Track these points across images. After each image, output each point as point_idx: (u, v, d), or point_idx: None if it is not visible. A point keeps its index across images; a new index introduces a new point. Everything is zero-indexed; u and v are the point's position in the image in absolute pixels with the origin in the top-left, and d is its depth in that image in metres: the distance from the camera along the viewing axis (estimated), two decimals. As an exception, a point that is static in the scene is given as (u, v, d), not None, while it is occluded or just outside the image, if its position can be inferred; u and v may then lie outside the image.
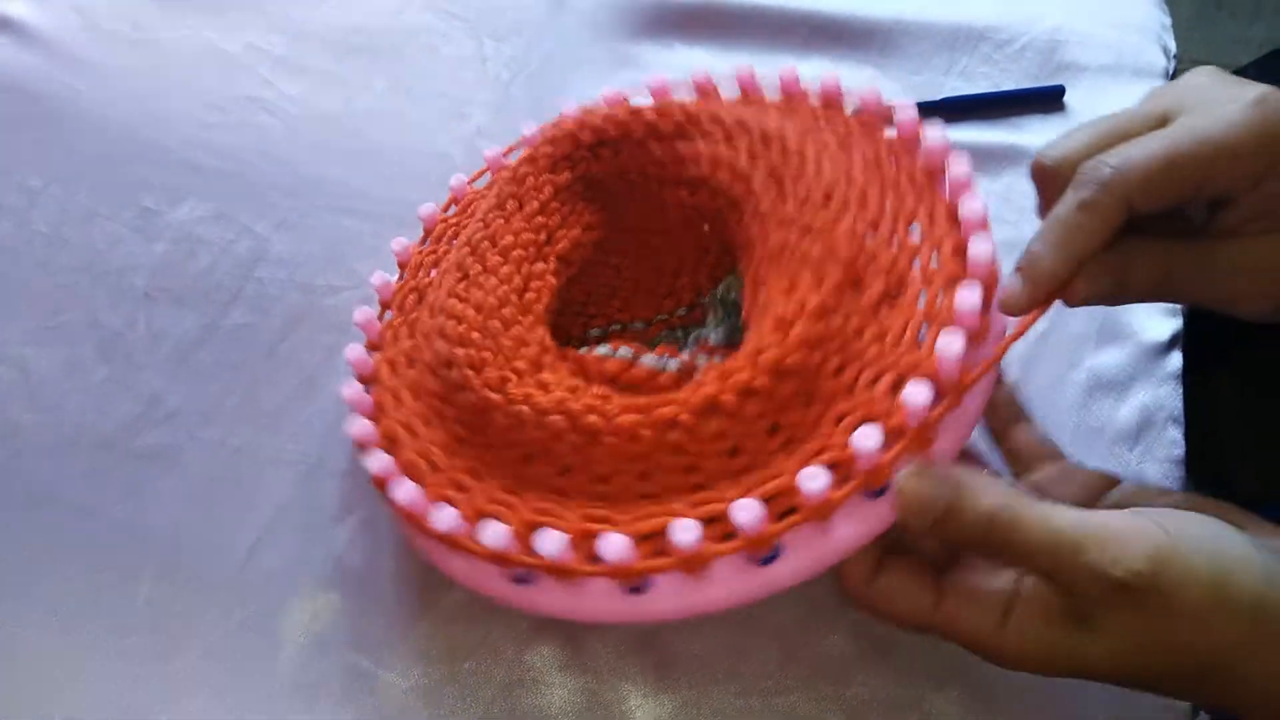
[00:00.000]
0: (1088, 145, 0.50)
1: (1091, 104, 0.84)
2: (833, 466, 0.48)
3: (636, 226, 0.68)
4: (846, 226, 0.54)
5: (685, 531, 0.47)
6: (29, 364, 0.74)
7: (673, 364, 0.63)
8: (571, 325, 0.71)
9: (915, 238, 0.55)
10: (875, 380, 0.50)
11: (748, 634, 0.62)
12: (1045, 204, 0.53)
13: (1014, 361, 0.70)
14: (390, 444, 0.61)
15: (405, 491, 0.56)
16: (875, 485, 0.48)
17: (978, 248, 0.50)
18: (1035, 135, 0.81)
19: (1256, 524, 0.50)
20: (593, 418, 0.53)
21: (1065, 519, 0.45)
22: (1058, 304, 0.50)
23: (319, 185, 0.81)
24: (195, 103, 0.85)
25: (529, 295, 0.64)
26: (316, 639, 0.64)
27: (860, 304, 0.52)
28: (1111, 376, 0.70)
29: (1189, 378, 0.70)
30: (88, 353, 0.74)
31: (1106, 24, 0.86)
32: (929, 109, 0.80)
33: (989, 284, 0.50)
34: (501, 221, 0.65)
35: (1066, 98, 0.84)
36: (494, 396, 0.56)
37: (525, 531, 0.51)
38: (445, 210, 0.73)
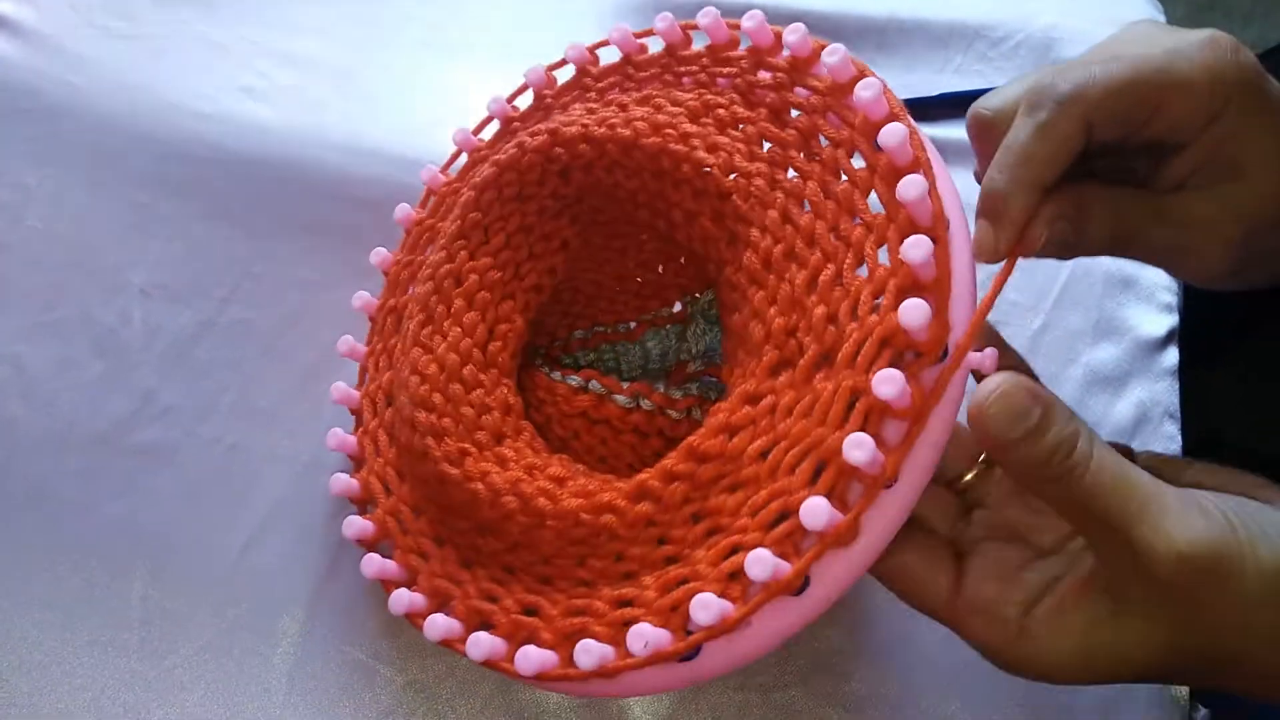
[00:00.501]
0: (1041, 78, 0.47)
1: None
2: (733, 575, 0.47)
3: (614, 232, 0.67)
4: (784, 294, 0.52)
5: (586, 655, 0.47)
6: (23, 360, 0.74)
7: (645, 404, 0.62)
8: (556, 326, 0.70)
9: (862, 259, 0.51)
10: (796, 465, 0.47)
11: None
12: (984, 160, 0.50)
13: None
14: (368, 498, 0.63)
15: (373, 566, 0.58)
16: (790, 591, 0.45)
17: (909, 314, 0.45)
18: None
19: None
20: (542, 501, 0.53)
21: (1141, 477, 0.42)
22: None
23: (315, 177, 0.81)
24: (189, 96, 0.85)
25: (494, 345, 0.63)
26: (312, 634, 0.64)
27: (794, 376, 0.50)
28: (1108, 372, 0.70)
29: (1185, 373, 0.70)
30: (82, 349, 0.74)
31: (1100, 22, 0.86)
32: (922, 105, 0.81)
33: (925, 347, 0.46)
34: (465, 255, 0.64)
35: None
36: (452, 471, 0.56)
37: (514, 644, 0.52)
38: (424, 204, 0.73)
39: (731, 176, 0.57)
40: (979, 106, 0.50)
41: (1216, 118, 0.46)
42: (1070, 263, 0.73)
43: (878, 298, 0.48)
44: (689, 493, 0.50)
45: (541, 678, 0.50)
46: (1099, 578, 0.45)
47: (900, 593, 0.50)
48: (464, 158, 0.72)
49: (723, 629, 0.45)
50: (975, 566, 0.49)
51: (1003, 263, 0.47)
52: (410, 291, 0.67)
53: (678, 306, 0.69)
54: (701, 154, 0.57)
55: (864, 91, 0.51)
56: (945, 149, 0.73)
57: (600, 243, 0.67)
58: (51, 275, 0.77)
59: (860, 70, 0.54)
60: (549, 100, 0.68)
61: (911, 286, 0.46)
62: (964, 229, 0.49)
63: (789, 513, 0.46)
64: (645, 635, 0.46)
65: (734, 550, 0.47)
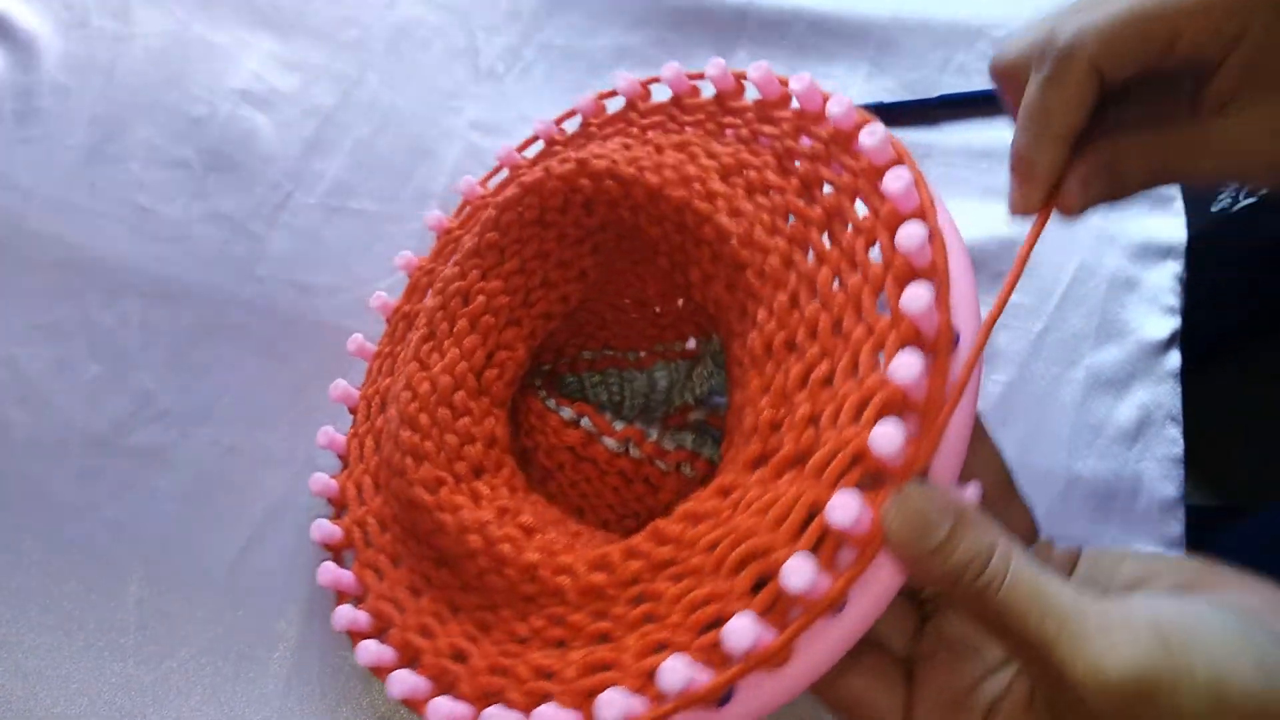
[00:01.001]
0: (1045, 29, 0.46)
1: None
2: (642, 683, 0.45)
3: (637, 258, 0.65)
4: (778, 385, 0.49)
5: None
6: (19, 362, 0.73)
7: (634, 451, 0.62)
8: (566, 343, 0.69)
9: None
10: (739, 568, 0.45)
11: None
12: (1012, 106, 0.48)
13: (1012, 360, 0.69)
14: (343, 503, 0.63)
15: (346, 617, 0.57)
16: (709, 702, 0.43)
17: (879, 439, 0.41)
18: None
19: (1265, 593, 0.43)
20: (505, 547, 0.53)
21: (1061, 594, 0.39)
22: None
23: (313, 182, 0.81)
24: (187, 98, 0.85)
25: (490, 373, 0.62)
26: (310, 637, 0.64)
27: (764, 473, 0.47)
28: (1110, 375, 0.70)
29: (1188, 376, 0.70)
30: (79, 351, 0.74)
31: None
32: (923, 108, 0.80)
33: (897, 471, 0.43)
34: (477, 274, 0.63)
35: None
36: (425, 497, 0.56)
37: (435, 687, 0.52)
38: (459, 213, 0.72)
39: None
40: (995, 59, 0.48)
41: (1243, 33, 0.43)
42: (1073, 265, 0.73)
43: (862, 408, 0.45)
44: (639, 573, 0.49)
45: None
46: (1037, 697, 0.42)
47: (850, 717, 0.47)
48: (504, 172, 0.72)
49: None
50: (926, 686, 0.46)
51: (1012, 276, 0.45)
52: (426, 299, 0.66)
53: (692, 343, 0.67)
54: (723, 219, 0.55)
55: (893, 182, 0.48)
56: (948, 152, 0.73)
57: (622, 268, 0.66)
58: (49, 277, 0.77)
59: (898, 155, 0.51)
60: (593, 129, 0.67)
61: (898, 404, 0.43)
62: (977, 342, 0.45)
63: (722, 620, 0.43)
64: (549, 716, 0.45)
65: (659, 647, 0.45)
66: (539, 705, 0.46)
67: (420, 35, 0.88)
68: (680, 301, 0.67)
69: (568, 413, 0.63)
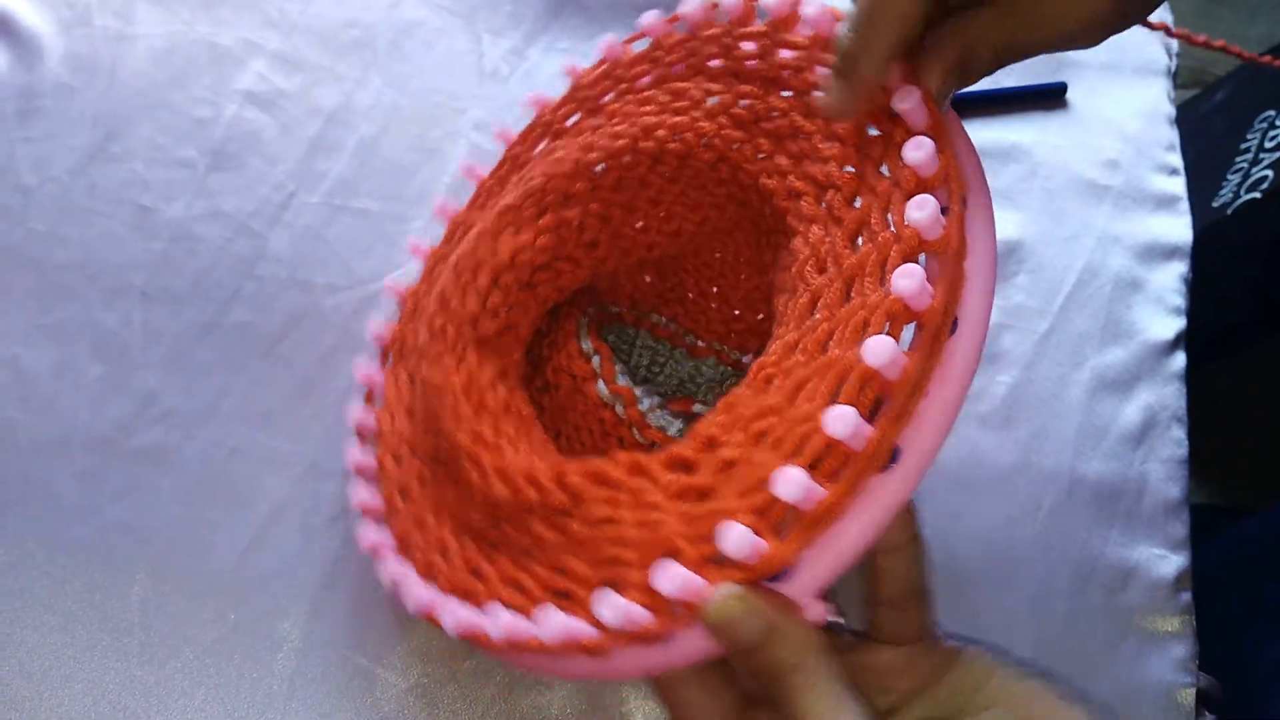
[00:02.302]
0: None
1: (1093, 101, 0.83)
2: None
3: (728, 231, 0.66)
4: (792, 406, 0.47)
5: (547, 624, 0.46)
6: (21, 363, 0.73)
7: (620, 410, 0.63)
8: (642, 300, 0.70)
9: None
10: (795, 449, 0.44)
11: None
12: None
13: (1017, 361, 0.69)
14: (379, 476, 0.63)
15: (369, 535, 0.58)
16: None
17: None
18: (1037, 133, 0.80)
19: None
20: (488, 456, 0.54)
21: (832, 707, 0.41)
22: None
23: (317, 182, 0.81)
24: (189, 99, 0.85)
25: (542, 275, 0.63)
26: (314, 638, 0.64)
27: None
28: (1115, 376, 0.70)
29: (1193, 376, 0.70)
30: (82, 351, 0.74)
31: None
32: None
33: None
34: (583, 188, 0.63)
35: (1068, 94, 0.83)
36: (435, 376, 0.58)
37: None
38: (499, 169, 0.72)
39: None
40: None
41: None
42: (1079, 266, 0.73)
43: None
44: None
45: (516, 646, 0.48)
46: None
47: None
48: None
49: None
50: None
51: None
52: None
53: (748, 359, 0.68)
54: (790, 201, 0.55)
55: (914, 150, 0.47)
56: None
57: (720, 239, 0.67)
58: (52, 277, 0.77)
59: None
60: (584, 93, 0.68)
61: (917, 249, 0.44)
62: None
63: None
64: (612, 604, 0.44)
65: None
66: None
67: (424, 36, 0.88)
68: (760, 316, 0.67)
69: (587, 345, 0.64)
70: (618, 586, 0.46)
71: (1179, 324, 0.71)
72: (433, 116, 0.84)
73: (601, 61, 0.68)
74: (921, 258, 0.44)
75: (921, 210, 0.43)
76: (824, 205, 0.52)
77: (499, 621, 0.48)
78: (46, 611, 0.65)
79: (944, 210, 0.44)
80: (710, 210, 0.64)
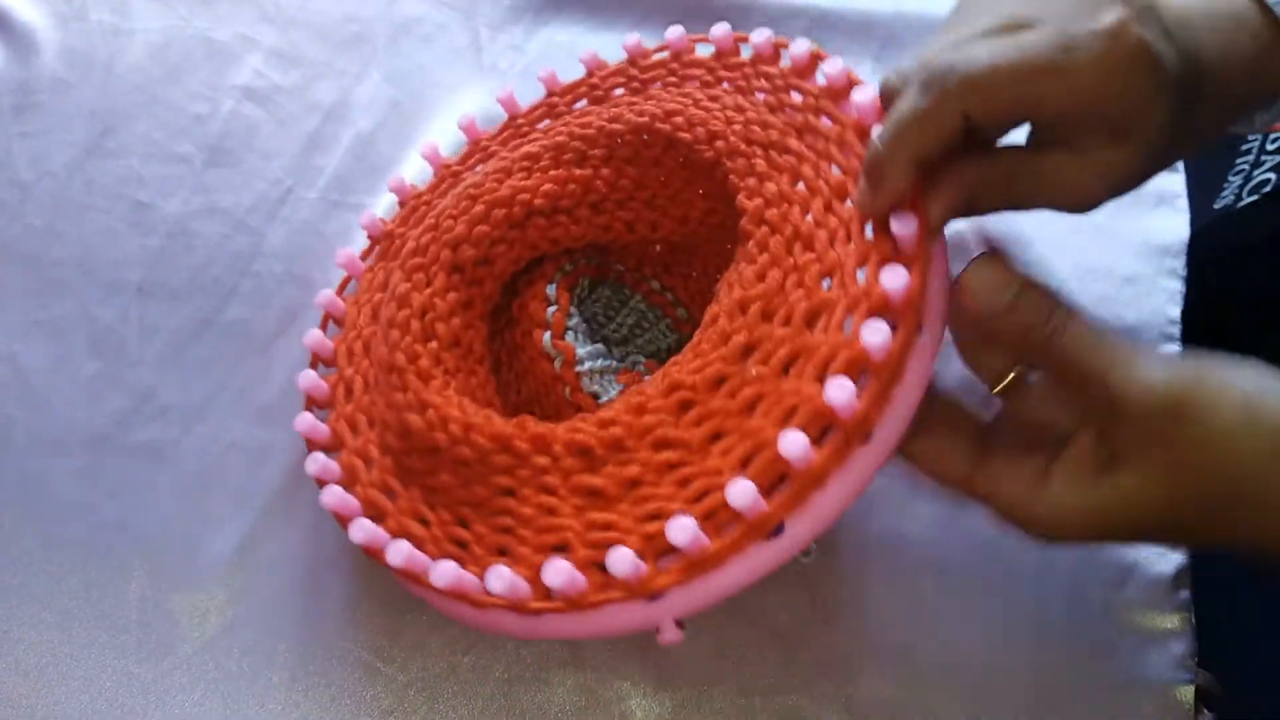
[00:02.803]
0: (934, 62, 0.49)
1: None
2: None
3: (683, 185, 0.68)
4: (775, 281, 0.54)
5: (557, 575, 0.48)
6: (19, 359, 0.73)
7: (557, 363, 0.64)
8: (649, 262, 0.73)
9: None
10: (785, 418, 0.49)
11: (748, 634, 0.62)
12: None
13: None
14: (336, 444, 0.64)
15: (331, 495, 0.59)
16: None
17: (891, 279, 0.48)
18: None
19: None
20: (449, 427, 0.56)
21: (1115, 337, 0.46)
22: None
23: (314, 178, 0.81)
24: (186, 94, 0.85)
25: (539, 222, 0.66)
26: (313, 632, 0.64)
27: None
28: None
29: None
30: (78, 347, 0.74)
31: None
32: None
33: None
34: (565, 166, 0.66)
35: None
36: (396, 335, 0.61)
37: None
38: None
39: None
40: (887, 77, 0.52)
41: (1102, 108, 0.47)
42: (1075, 262, 0.73)
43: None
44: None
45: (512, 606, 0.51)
46: (1099, 438, 0.47)
47: (928, 473, 0.52)
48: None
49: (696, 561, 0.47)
50: (998, 446, 0.50)
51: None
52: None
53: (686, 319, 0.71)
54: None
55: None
56: None
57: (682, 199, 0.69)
58: (49, 273, 0.77)
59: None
60: (636, 72, 0.71)
61: (883, 308, 0.49)
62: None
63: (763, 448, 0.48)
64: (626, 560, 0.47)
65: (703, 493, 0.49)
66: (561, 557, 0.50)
67: (422, 32, 0.88)
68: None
69: (552, 291, 0.66)
70: (510, 556, 0.52)
71: (1175, 322, 0.71)
72: (431, 112, 0.84)
73: (657, 49, 0.71)
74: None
75: (875, 334, 0.47)
76: (809, 217, 0.56)
77: (399, 549, 0.53)
78: (43, 609, 0.65)
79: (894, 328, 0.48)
80: (718, 204, 0.65)
